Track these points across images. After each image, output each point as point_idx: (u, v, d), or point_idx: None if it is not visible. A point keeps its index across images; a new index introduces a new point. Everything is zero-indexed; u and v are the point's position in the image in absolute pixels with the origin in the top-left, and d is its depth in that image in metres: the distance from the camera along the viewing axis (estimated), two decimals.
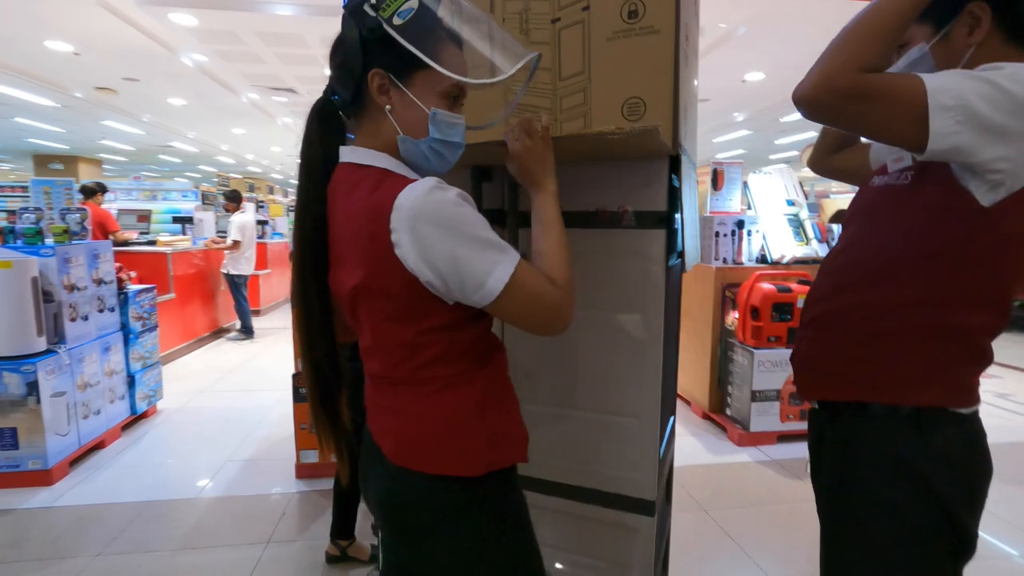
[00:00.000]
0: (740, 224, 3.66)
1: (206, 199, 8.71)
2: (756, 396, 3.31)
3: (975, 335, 0.88)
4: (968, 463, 0.89)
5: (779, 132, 11.01)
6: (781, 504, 2.70)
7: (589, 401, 1.29)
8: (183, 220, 7.78)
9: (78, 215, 3.26)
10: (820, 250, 3.70)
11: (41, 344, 2.84)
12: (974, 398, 0.89)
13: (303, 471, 2.90)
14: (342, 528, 2.17)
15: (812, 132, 10.63)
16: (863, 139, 1.19)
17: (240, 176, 14.48)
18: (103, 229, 5.55)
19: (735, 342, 3.50)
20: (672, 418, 1.52)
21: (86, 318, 3.18)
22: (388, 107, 0.84)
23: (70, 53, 6.22)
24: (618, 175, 1.24)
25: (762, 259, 3.73)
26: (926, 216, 0.87)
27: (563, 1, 1.13)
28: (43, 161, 13.83)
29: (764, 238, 3.76)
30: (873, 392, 0.92)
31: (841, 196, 7.03)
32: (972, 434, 0.89)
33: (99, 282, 3.33)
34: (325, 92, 0.88)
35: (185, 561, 2.21)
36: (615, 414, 1.27)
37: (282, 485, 2.84)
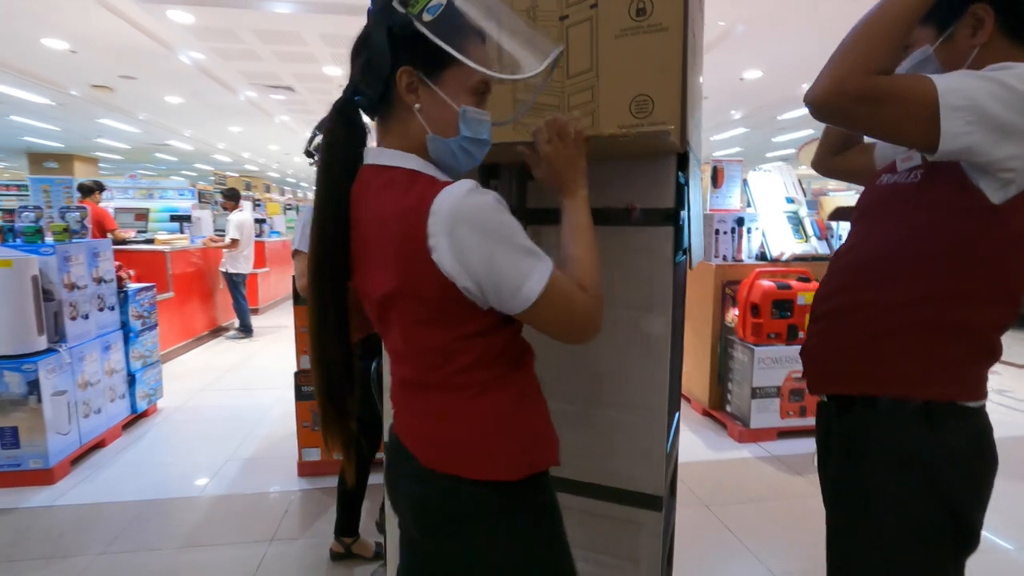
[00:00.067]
0: (740, 221, 3.67)
1: (203, 197, 8.69)
2: (756, 393, 3.33)
3: (984, 330, 0.89)
4: (975, 456, 0.90)
5: (776, 130, 11.04)
6: (782, 500, 2.71)
7: (597, 397, 1.30)
8: (181, 219, 7.76)
9: (78, 213, 3.25)
10: (819, 247, 3.72)
11: (42, 343, 2.83)
12: (982, 392, 0.91)
13: (305, 469, 2.91)
14: (346, 525, 2.17)
15: (809, 130, 10.66)
16: (867, 139, 1.20)
17: (237, 174, 14.45)
18: (101, 228, 5.53)
19: (735, 339, 3.51)
20: (677, 414, 1.53)
21: (86, 317, 3.17)
22: (417, 106, 0.82)
23: (66, 51, 6.19)
24: (626, 173, 1.25)
25: (762, 256, 3.74)
26: (936, 214, 0.88)
27: None
28: (38, 159, 13.75)
29: (764, 235, 3.78)
30: (882, 386, 0.93)
31: (839, 194, 7.06)
32: (980, 427, 0.90)
33: (99, 281, 3.32)
34: (346, 92, 0.86)
35: (188, 559, 2.21)
36: (623, 410, 1.28)
37: (284, 483, 2.85)
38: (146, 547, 2.28)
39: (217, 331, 6.31)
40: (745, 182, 3.97)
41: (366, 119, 0.90)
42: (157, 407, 3.89)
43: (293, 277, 2.02)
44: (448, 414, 0.85)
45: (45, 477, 2.78)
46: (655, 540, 1.27)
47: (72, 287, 3.05)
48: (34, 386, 2.73)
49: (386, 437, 1.51)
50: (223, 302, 6.34)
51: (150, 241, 5.99)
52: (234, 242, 5.84)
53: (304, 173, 21.31)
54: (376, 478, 2.32)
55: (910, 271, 0.91)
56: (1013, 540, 2.35)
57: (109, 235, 5.44)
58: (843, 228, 4.34)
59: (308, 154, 2.11)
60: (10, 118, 9.80)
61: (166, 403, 3.97)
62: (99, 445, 3.22)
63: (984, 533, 0.93)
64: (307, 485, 2.83)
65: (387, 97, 0.84)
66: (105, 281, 3.38)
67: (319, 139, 2.31)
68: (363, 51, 0.83)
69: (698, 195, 1.52)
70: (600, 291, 0.86)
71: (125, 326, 3.58)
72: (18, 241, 2.98)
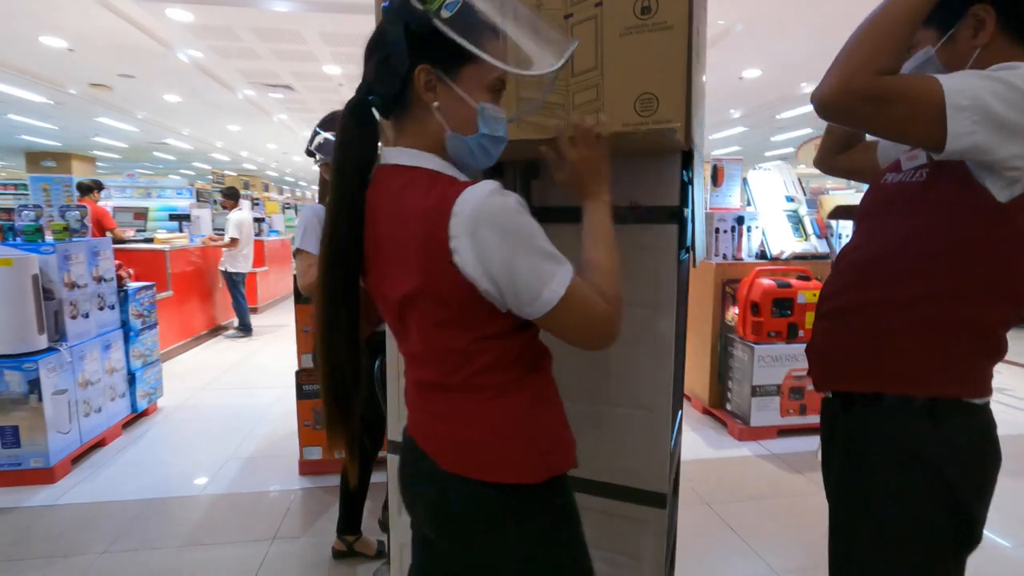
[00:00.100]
0: (740, 220, 3.68)
1: (201, 196, 8.68)
2: (756, 391, 3.34)
3: (990, 327, 0.89)
4: (979, 452, 0.91)
5: (775, 129, 11.05)
6: (782, 498, 2.72)
7: (602, 394, 1.30)
8: (180, 218, 7.75)
9: (77, 212, 3.25)
10: (819, 246, 3.72)
11: (42, 342, 2.83)
12: (988, 389, 0.91)
13: (306, 467, 2.91)
14: (348, 524, 2.17)
15: (808, 129, 10.67)
16: (869, 137, 1.20)
17: (234, 173, 14.43)
18: (100, 227, 5.52)
19: (735, 338, 3.52)
20: (680, 412, 1.54)
21: (87, 316, 3.17)
22: (435, 104, 0.81)
23: (65, 49, 6.18)
24: (631, 170, 1.25)
25: (762, 255, 3.75)
26: (942, 213, 0.89)
27: None
28: (35, 158, 13.71)
29: (763, 234, 3.78)
30: (887, 383, 0.93)
31: (839, 193, 7.07)
32: (984, 424, 0.91)
33: (99, 280, 3.31)
34: (359, 92, 0.85)
35: (191, 557, 2.22)
36: (628, 407, 1.28)
37: (286, 482, 2.85)
38: (148, 546, 2.28)
39: (216, 330, 6.30)
40: (745, 181, 3.97)
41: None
42: (157, 406, 3.89)
43: (295, 276, 2.03)
44: (467, 416, 0.85)
45: (46, 476, 2.78)
46: (659, 537, 1.27)
47: (72, 286, 3.05)
48: (35, 385, 2.73)
49: (391, 435, 1.52)
50: (222, 301, 6.34)
51: (149, 240, 5.98)
52: (233, 241, 5.83)
53: (303, 172, 21.28)
54: (378, 476, 2.32)
55: (915, 269, 0.91)
56: (1011, 537, 2.36)
57: (108, 234, 5.43)
58: (843, 227, 4.35)
59: (309, 153, 2.12)
60: (8, 117, 9.77)
61: (166, 402, 3.97)
62: (99, 444, 3.22)
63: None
64: (308, 484, 2.83)
65: (404, 96, 0.83)
66: (105, 280, 3.38)
67: (319, 138, 2.31)
68: (378, 50, 0.82)
69: (701, 193, 1.53)
70: (620, 298, 0.84)
71: (125, 325, 3.58)
72: (18, 240, 2.98)
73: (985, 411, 0.91)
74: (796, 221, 3.81)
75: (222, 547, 2.29)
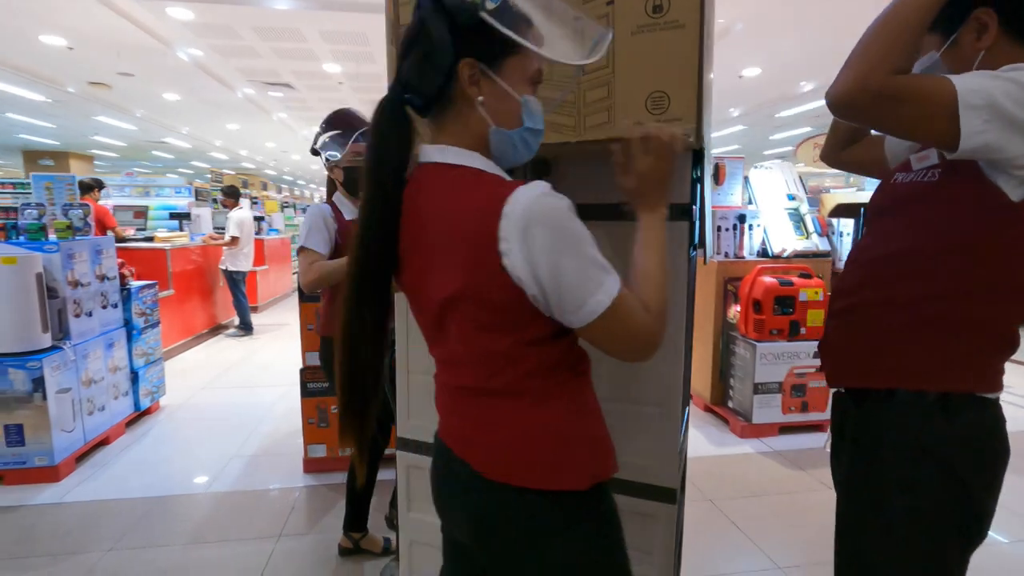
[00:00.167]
0: (741, 218, 3.69)
1: (200, 195, 8.67)
2: (758, 388, 3.35)
3: (1003, 324, 0.90)
4: (990, 447, 0.92)
5: (774, 128, 11.07)
6: (784, 494, 2.74)
7: (612, 391, 1.31)
8: (180, 216, 7.74)
9: (80, 211, 3.25)
10: (821, 244, 3.74)
11: (46, 340, 2.83)
12: (999, 383, 0.92)
13: (311, 465, 2.91)
14: (355, 521, 2.18)
15: (807, 128, 10.70)
16: (874, 132, 1.21)
17: (233, 172, 14.40)
18: (102, 225, 5.52)
19: (737, 335, 3.53)
20: (687, 408, 1.55)
21: (90, 314, 3.17)
22: (480, 98, 0.80)
23: (64, 48, 6.17)
24: None
25: (763, 253, 3.76)
26: (954, 211, 0.90)
27: None
28: (33, 157, 13.68)
29: (765, 232, 3.79)
30: (900, 378, 0.94)
31: (839, 191, 7.09)
32: (995, 418, 0.92)
33: (102, 278, 3.31)
34: (392, 91, 0.83)
35: (198, 555, 2.22)
36: (639, 404, 1.29)
37: (290, 479, 2.85)
38: (154, 543, 2.29)
39: (217, 329, 6.30)
40: (746, 179, 3.99)
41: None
42: (160, 404, 3.89)
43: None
44: (509, 421, 0.82)
45: (50, 474, 2.78)
46: (669, 532, 1.28)
47: (76, 284, 3.05)
48: (39, 383, 2.73)
49: (399, 432, 1.52)
50: (223, 300, 6.34)
51: (150, 239, 5.97)
52: (234, 239, 5.83)
53: (301, 171, 21.23)
54: (385, 474, 2.33)
55: (928, 267, 0.92)
56: (1008, 533, 2.38)
57: (110, 233, 5.42)
58: (844, 225, 4.36)
59: (314, 152, 2.12)
60: (6, 115, 9.74)
61: (168, 400, 3.97)
62: (103, 442, 3.22)
63: None
64: (313, 481, 2.84)
65: (446, 92, 0.81)
66: (108, 278, 3.38)
67: (324, 137, 2.30)
68: (416, 46, 0.79)
69: (709, 191, 1.53)
70: (664, 313, 0.82)
71: (128, 323, 3.58)
72: (22, 238, 2.98)
73: (996, 406, 0.92)
74: (797, 219, 3.82)
75: (228, 544, 2.30)
